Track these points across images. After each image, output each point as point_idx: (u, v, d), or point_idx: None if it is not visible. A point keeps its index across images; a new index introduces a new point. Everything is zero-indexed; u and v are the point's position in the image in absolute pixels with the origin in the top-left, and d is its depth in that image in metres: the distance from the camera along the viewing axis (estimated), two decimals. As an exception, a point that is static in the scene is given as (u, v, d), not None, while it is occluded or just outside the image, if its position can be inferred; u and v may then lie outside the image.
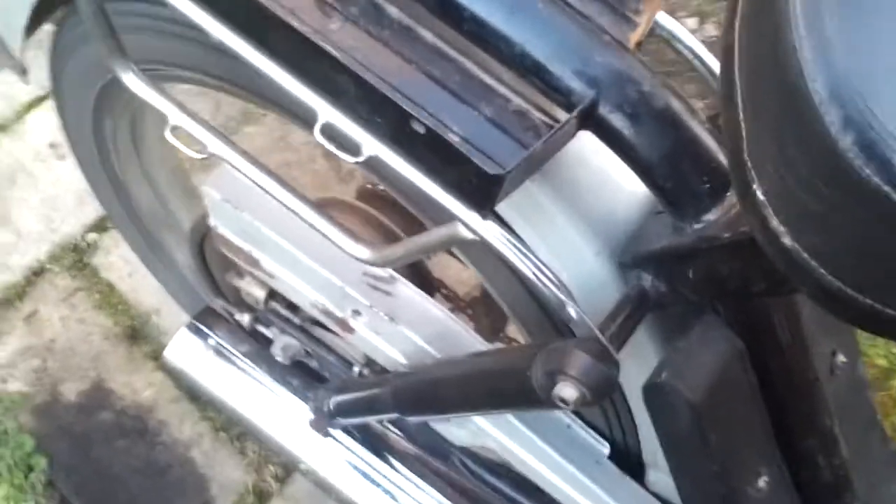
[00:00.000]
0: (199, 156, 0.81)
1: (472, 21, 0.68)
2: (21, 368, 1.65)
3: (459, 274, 1.32)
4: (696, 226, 0.71)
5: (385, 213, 1.10)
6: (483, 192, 0.66)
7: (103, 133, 1.17)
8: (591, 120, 0.68)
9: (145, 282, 1.57)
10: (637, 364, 0.81)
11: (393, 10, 0.70)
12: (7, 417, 1.59)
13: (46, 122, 1.80)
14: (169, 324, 1.67)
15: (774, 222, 0.49)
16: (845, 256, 0.47)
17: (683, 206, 0.71)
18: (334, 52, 0.66)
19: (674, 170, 0.70)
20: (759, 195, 0.49)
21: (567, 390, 0.71)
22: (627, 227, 0.78)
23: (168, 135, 0.81)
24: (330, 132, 0.70)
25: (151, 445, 1.62)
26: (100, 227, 1.73)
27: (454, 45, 0.70)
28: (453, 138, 0.65)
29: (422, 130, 0.65)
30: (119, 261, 1.71)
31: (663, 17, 0.82)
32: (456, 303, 1.26)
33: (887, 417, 1.62)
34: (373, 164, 0.70)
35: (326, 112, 0.69)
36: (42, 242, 1.73)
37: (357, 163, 0.70)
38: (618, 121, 0.68)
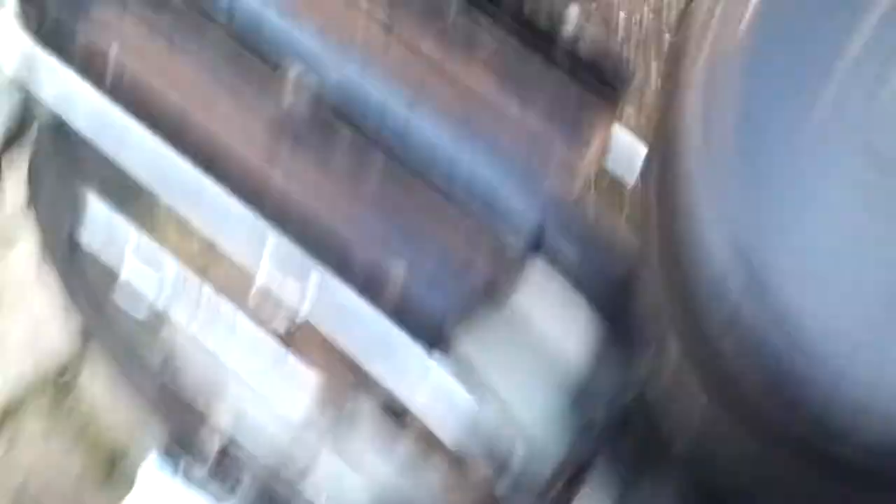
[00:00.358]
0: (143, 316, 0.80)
1: (418, 152, 0.68)
2: (-6, 501, 1.61)
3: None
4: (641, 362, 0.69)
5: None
6: (436, 333, 0.65)
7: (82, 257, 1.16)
8: (540, 250, 0.67)
9: (123, 418, 1.54)
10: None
11: (344, 137, 0.69)
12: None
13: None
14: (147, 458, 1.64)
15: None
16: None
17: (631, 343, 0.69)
18: (275, 191, 0.66)
19: (621, 301, 0.68)
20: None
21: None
22: (581, 373, 0.76)
23: (128, 254, 0.80)
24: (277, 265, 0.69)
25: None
26: (79, 363, 1.71)
27: (403, 177, 0.69)
28: (389, 282, 0.64)
29: (358, 273, 0.65)
30: (104, 391, 1.69)
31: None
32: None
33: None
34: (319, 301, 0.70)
35: (269, 245, 0.69)
36: (25, 371, 1.71)
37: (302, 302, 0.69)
38: (566, 247, 0.66)
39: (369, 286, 0.64)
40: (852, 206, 0.40)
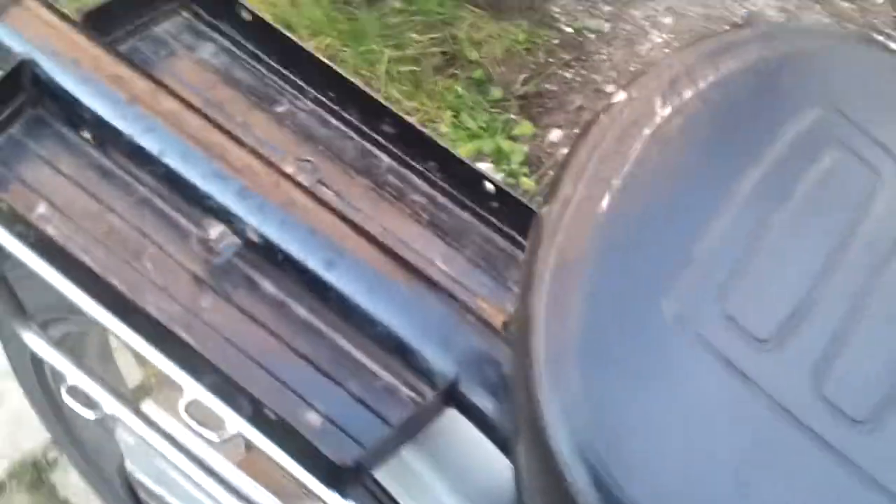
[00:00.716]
0: (92, 417, 0.81)
1: (340, 299, 0.69)
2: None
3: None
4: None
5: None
6: (338, 474, 0.65)
7: (43, 370, 1.18)
8: (453, 398, 0.68)
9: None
10: None
11: (267, 286, 0.71)
12: None
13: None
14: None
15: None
16: None
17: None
18: (189, 340, 0.67)
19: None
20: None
21: None
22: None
23: (64, 393, 0.81)
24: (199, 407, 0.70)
25: None
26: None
27: (324, 323, 0.70)
28: (311, 420, 0.65)
29: (273, 417, 0.65)
30: (76, 478, 1.69)
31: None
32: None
33: None
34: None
35: (191, 389, 0.69)
36: (2, 459, 1.72)
37: (223, 441, 0.70)
38: (479, 399, 0.67)
39: (286, 431, 0.65)
40: (691, 408, 0.41)
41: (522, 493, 0.53)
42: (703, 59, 0.51)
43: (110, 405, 0.81)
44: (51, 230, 0.70)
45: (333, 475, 0.66)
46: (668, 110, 0.49)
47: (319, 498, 0.68)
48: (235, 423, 0.69)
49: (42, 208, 0.70)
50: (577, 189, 0.46)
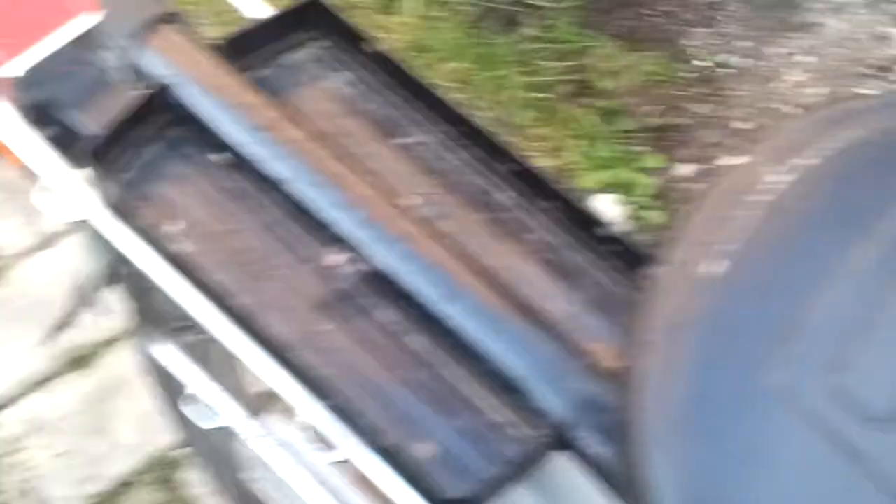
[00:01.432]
0: (209, 426, 0.84)
1: (456, 333, 0.70)
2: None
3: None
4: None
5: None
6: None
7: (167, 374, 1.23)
8: (565, 441, 0.68)
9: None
10: None
11: (384, 316, 0.73)
12: None
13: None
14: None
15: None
16: None
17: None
18: (308, 362, 0.69)
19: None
20: None
21: None
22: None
23: (181, 402, 0.85)
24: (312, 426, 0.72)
25: None
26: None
27: (439, 356, 0.71)
28: (416, 456, 0.66)
29: (387, 443, 0.67)
30: (203, 479, 1.75)
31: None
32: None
33: None
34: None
35: (306, 411, 0.72)
36: (134, 454, 1.79)
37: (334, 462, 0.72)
38: (591, 444, 0.68)
39: (398, 460, 0.67)
40: (797, 489, 0.40)
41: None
42: (825, 127, 0.51)
43: (227, 416, 0.85)
44: (182, 247, 0.73)
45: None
46: (786, 178, 0.49)
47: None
48: (347, 447, 0.71)
49: (175, 225, 0.74)
50: (691, 252, 0.46)
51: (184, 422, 1.32)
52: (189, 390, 0.87)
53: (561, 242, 0.75)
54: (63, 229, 1.94)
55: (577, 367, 0.69)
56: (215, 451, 1.36)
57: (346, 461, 0.74)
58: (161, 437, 1.80)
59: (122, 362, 1.85)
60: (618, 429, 0.67)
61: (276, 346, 0.70)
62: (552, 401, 0.68)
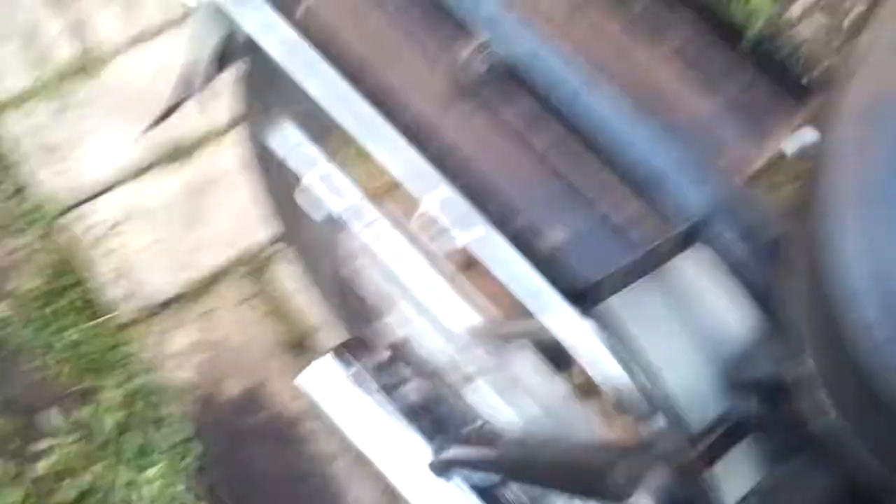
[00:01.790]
0: (323, 215, 0.85)
1: (592, 126, 0.69)
2: (193, 360, 1.75)
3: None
4: (795, 363, 0.69)
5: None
6: (580, 293, 0.66)
7: (281, 164, 1.23)
8: (703, 236, 0.67)
9: (316, 298, 1.63)
10: (734, 480, 0.79)
11: (519, 105, 0.71)
12: (173, 402, 1.70)
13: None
14: (332, 341, 1.72)
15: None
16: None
17: (794, 338, 0.69)
18: (442, 143, 0.68)
19: (780, 303, 0.68)
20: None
21: (641, 501, 0.70)
22: (738, 346, 0.76)
23: (298, 190, 0.85)
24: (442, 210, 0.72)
25: (297, 452, 1.69)
26: (279, 241, 1.81)
27: (572, 147, 0.70)
28: (548, 241, 0.66)
29: (520, 228, 0.66)
30: (295, 274, 1.79)
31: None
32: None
33: None
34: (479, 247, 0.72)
35: (430, 197, 0.71)
36: (229, 247, 1.83)
37: (460, 246, 0.72)
38: (731, 242, 0.67)
39: (528, 244, 0.66)
40: None
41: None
42: None
43: (344, 205, 0.85)
44: (320, 19, 0.72)
45: (573, 292, 0.67)
46: None
47: (547, 317, 0.69)
48: (469, 235, 0.71)
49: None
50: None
51: (289, 214, 1.34)
52: (305, 180, 0.87)
53: (703, 45, 0.72)
54: (161, 23, 1.93)
55: (716, 165, 0.67)
56: (319, 244, 1.38)
57: (461, 252, 0.74)
58: (256, 232, 1.84)
59: (222, 156, 1.88)
60: (758, 226, 0.66)
61: (411, 125, 0.69)
62: (691, 197, 0.67)
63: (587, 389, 1.23)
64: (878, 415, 0.42)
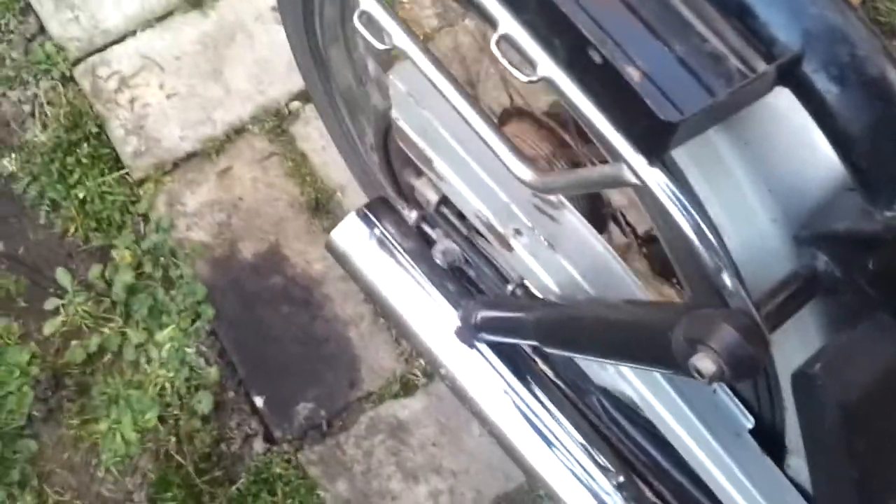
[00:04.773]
0: (383, 46, 0.79)
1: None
2: (207, 220, 1.71)
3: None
4: (888, 213, 0.64)
5: (570, 135, 1.05)
6: (654, 136, 0.61)
7: (312, 7, 1.17)
8: (792, 76, 0.62)
9: (336, 158, 1.58)
10: (794, 346, 0.75)
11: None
12: (186, 263, 1.66)
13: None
14: (352, 203, 1.68)
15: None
16: None
17: (878, 189, 0.64)
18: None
19: (875, 148, 0.63)
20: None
21: (705, 362, 0.66)
22: (811, 200, 0.71)
23: (356, 20, 0.79)
24: (509, 44, 0.66)
25: (313, 317, 1.66)
26: (304, 96, 1.74)
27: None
28: (631, 74, 0.60)
29: (598, 60, 0.61)
30: (315, 133, 1.74)
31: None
32: (631, 238, 1.21)
33: None
34: (549, 86, 0.66)
35: (507, 23, 0.66)
36: (247, 102, 1.77)
37: (529, 82, 0.66)
38: (822, 83, 0.62)
39: (607, 80, 0.61)
40: None
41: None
42: None
43: (401, 39, 0.78)
44: None
45: (646, 134, 0.62)
46: None
47: (621, 158, 0.64)
48: (547, 66, 0.65)
49: None
50: None
51: (323, 61, 1.27)
52: (363, 6, 0.79)
53: None
54: None
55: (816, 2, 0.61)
56: (353, 91, 1.32)
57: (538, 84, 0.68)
58: (277, 87, 1.77)
59: (243, 5, 1.80)
60: (853, 64, 0.61)
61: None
62: (785, 28, 0.61)
63: (626, 251, 1.19)
64: None
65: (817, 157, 0.70)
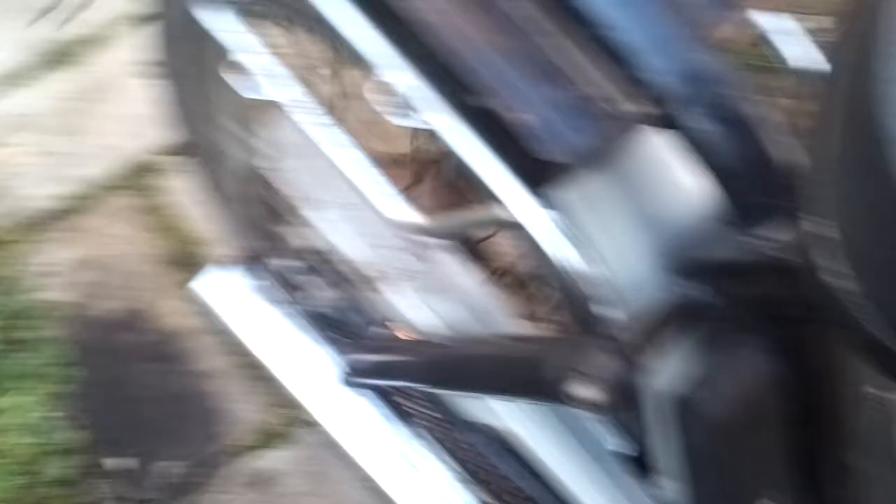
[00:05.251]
0: (251, 96, 0.80)
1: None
2: (69, 278, 1.66)
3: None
4: (757, 243, 0.68)
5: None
6: (538, 173, 0.64)
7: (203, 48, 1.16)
8: (666, 116, 0.66)
9: (205, 212, 1.55)
10: (672, 371, 0.78)
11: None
12: (40, 325, 1.60)
13: (140, 40, 1.80)
14: (219, 256, 1.65)
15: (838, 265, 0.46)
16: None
17: (748, 219, 0.68)
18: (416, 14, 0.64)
19: (745, 179, 0.67)
20: (828, 233, 0.47)
21: (578, 388, 0.68)
22: (684, 230, 0.75)
23: (223, 70, 0.80)
24: (383, 89, 0.68)
25: (174, 372, 1.62)
26: (172, 151, 1.71)
27: (544, 23, 0.67)
28: (513, 116, 0.63)
29: (483, 103, 0.63)
30: (182, 187, 1.71)
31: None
32: (511, 276, 1.22)
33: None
34: (434, 130, 0.69)
35: (384, 68, 0.67)
36: (115, 158, 1.73)
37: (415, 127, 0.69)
38: (694, 119, 0.65)
39: (492, 122, 0.64)
40: None
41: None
42: None
43: (276, 87, 0.79)
44: None
45: (533, 172, 0.65)
46: None
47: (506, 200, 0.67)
48: (438, 113, 0.67)
49: None
50: None
51: (197, 106, 1.26)
52: (235, 56, 0.80)
53: None
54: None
55: (689, 37, 0.66)
56: (227, 139, 1.31)
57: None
58: (145, 141, 1.74)
59: (112, 62, 1.78)
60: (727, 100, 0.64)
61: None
62: (660, 71, 0.65)
63: (513, 287, 1.21)
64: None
65: (688, 191, 0.73)
